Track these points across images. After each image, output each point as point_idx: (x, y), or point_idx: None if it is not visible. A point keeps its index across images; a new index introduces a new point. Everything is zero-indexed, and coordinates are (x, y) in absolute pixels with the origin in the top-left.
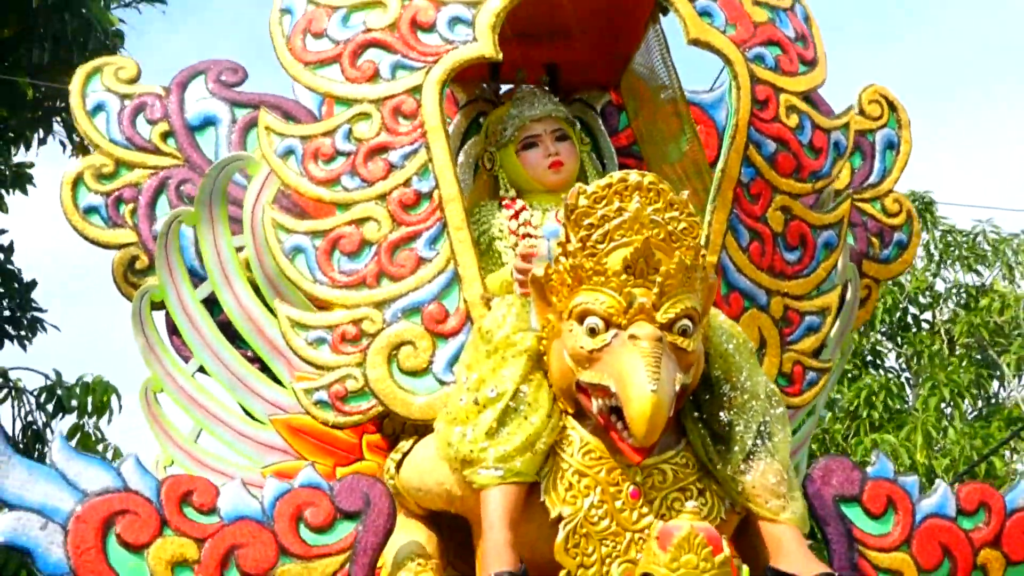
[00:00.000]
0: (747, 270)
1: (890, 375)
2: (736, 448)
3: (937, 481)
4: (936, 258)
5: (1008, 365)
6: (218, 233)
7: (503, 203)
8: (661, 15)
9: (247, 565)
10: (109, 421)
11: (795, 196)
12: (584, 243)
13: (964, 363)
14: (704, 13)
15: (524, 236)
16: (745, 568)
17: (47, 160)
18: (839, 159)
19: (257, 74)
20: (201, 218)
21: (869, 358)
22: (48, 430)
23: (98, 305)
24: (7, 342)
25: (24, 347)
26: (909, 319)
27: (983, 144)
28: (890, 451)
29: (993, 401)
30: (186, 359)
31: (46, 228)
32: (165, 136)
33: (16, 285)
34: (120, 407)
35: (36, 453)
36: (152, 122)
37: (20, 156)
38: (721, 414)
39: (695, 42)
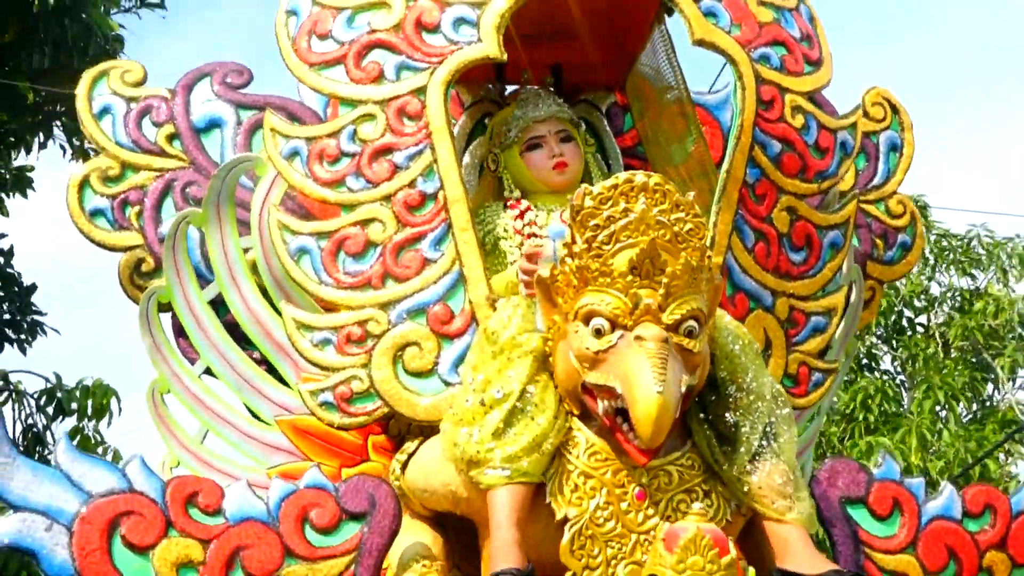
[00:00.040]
0: (752, 271)
1: (885, 378)
2: (742, 449)
3: (943, 483)
4: (931, 262)
5: (1002, 368)
6: (225, 234)
7: (508, 204)
8: (666, 16)
9: (252, 566)
10: (109, 424)
11: (800, 196)
12: (590, 244)
13: (959, 366)
14: (709, 13)
15: (529, 236)
16: (751, 570)
17: (47, 164)
18: (846, 159)
19: (257, 78)
20: (209, 219)
21: (865, 361)
22: (48, 433)
23: (98, 308)
24: (7, 345)
25: (24, 351)
26: (904, 322)
27: (976, 148)
28: (885, 453)
29: (987, 404)
30: (192, 360)
31: (46, 232)
32: (171, 138)
33: (16, 289)
34: (120, 410)
35: (36, 455)
36: (158, 124)
37: (20, 160)
38: (727, 415)
39: (700, 43)
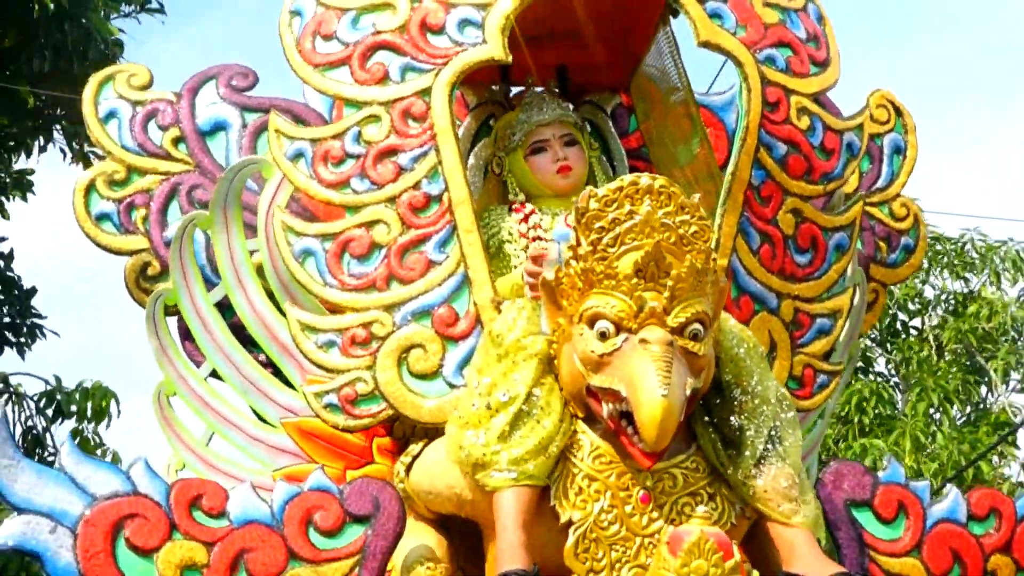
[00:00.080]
0: (757, 273)
1: (880, 381)
2: (747, 453)
3: (948, 486)
4: (925, 265)
5: (995, 371)
6: (232, 236)
7: (512, 207)
8: (671, 17)
9: (256, 569)
10: (107, 426)
11: (806, 198)
12: (595, 247)
13: (952, 369)
14: (714, 15)
15: (534, 240)
16: (755, 573)
17: (47, 167)
18: (851, 160)
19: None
20: (215, 221)
21: (859, 364)
22: (48, 435)
23: (98, 311)
24: (7, 348)
25: (22, 354)
26: (898, 325)
27: (969, 152)
28: (879, 456)
29: (981, 406)
30: (198, 363)
31: (46, 235)
32: (176, 142)
33: (16, 292)
34: (119, 412)
35: (36, 457)
36: (164, 128)
37: (21, 163)
38: (732, 419)
39: (705, 44)
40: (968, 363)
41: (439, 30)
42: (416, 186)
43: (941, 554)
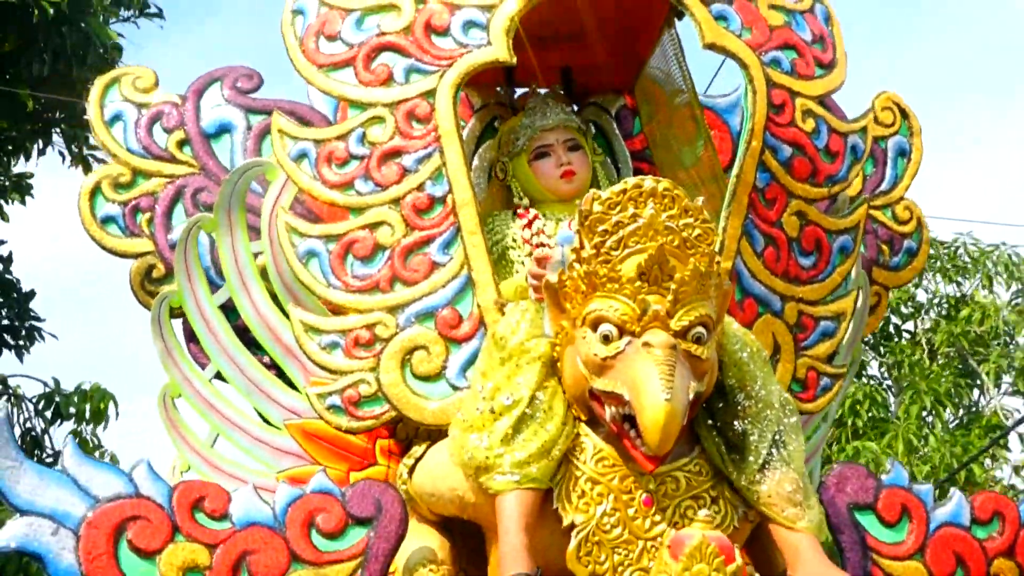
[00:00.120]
0: (762, 276)
1: (873, 384)
2: (751, 458)
3: (952, 490)
4: None
5: (988, 374)
6: (236, 238)
7: (517, 212)
8: (676, 19)
9: (258, 571)
10: (105, 428)
11: (810, 201)
12: (598, 249)
13: (945, 372)
14: (720, 17)
15: (537, 245)
16: None
17: (46, 171)
18: (856, 163)
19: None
20: (220, 224)
21: None
22: (46, 437)
23: (97, 313)
24: (5, 351)
25: (21, 357)
26: (891, 329)
27: (970, 153)
28: (872, 458)
29: (973, 409)
30: (203, 365)
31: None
32: (181, 144)
33: (15, 295)
34: (117, 414)
35: (35, 459)
36: (168, 130)
37: (20, 166)
38: (735, 423)
39: (711, 46)
40: (960, 366)
41: (444, 32)
42: (420, 188)
43: (944, 558)
